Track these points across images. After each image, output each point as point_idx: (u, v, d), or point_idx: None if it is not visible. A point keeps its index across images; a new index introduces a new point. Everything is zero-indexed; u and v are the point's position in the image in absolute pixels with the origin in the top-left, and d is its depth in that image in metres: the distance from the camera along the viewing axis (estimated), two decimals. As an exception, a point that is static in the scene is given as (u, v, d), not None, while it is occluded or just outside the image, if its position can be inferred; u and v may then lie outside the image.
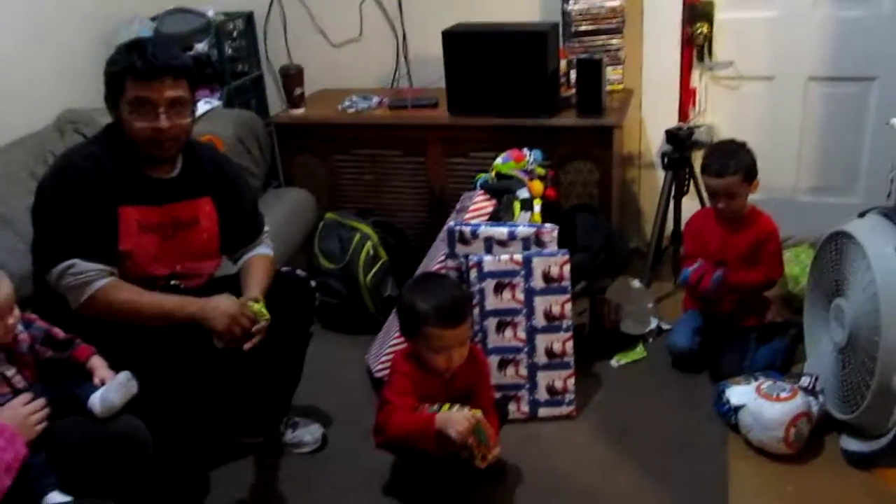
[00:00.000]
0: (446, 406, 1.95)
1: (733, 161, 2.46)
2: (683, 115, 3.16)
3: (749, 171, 2.47)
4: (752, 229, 2.54)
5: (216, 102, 3.10)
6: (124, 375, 1.70)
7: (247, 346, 1.91)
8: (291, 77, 3.14)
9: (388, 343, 2.54)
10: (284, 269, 2.28)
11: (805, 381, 2.26)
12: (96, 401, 1.65)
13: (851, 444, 2.12)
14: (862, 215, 2.19)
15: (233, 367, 2.06)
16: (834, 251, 2.21)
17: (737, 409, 2.23)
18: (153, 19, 3.16)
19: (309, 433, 2.32)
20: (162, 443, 1.77)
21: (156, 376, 1.82)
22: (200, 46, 3.13)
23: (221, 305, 1.90)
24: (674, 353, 2.58)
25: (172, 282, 2.02)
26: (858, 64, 2.99)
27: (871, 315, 1.97)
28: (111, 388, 1.67)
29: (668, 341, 2.61)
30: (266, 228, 2.25)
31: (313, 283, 2.23)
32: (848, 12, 2.94)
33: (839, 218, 2.31)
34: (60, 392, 1.68)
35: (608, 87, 2.89)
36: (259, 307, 1.95)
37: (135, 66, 1.84)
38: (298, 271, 2.25)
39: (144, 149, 1.91)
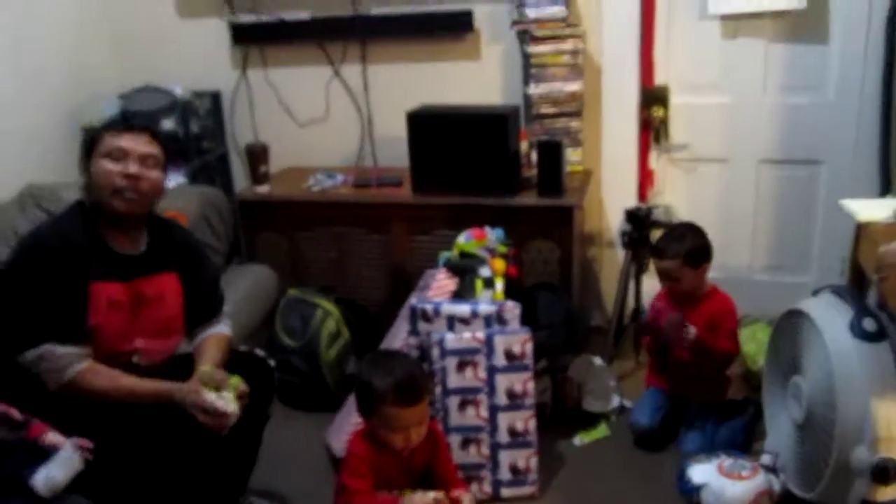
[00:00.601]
0: (407, 492, 1.92)
1: (675, 245, 2.52)
2: (642, 195, 3.25)
3: (692, 256, 2.52)
4: (707, 306, 2.58)
5: (181, 179, 3.11)
6: (68, 448, 1.65)
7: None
8: (256, 154, 3.17)
9: (350, 421, 2.50)
10: (243, 347, 2.25)
11: (766, 458, 2.27)
12: (39, 480, 1.60)
13: (813, 523, 2.12)
14: (816, 293, 2.24)
15: (190, 446, 2.01)
16: (790, 329, 2.25)
17: (699, 487, 2.22)
18: (121, 97, 3.19)
19: (266, 515, 2.25)
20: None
21: (110, 451, 1.78)
22: (167, 124, 3.16)
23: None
24: (636, 432, 2.58)
25: (134, 359, 1.99)
26: (806, 148, 3.11)
27: (827, 392, 2.00)
28: (54, 465, 1.62)
29: (631, 419, 2.62)
30: (225, 308, 2.23)
31: (272, 363, 2.20)
32: (795, 99, 3.07)
33: (794, 296, 2.36)
34: (4, 470, 1.62)
35: (568, 168, 2.96)
36: (235, 380, 1.94)
37: (114, 123, 1.96)
38: (257, 350, 2.23)
39: (109, 203, 1.91)
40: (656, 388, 2.68)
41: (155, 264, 2.04)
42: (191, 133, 3.25)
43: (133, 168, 1.91)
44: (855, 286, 2.55)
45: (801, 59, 3.02)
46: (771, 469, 2.23)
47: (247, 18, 3.33)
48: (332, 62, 3.36)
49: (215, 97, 3.44)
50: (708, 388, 2.63)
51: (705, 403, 2.60)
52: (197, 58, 3.43)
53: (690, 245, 2.52)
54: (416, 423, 1.94)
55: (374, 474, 1.95)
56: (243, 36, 3.36)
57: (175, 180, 3.02)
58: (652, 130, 3.23)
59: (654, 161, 3.28)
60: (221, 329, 2.16)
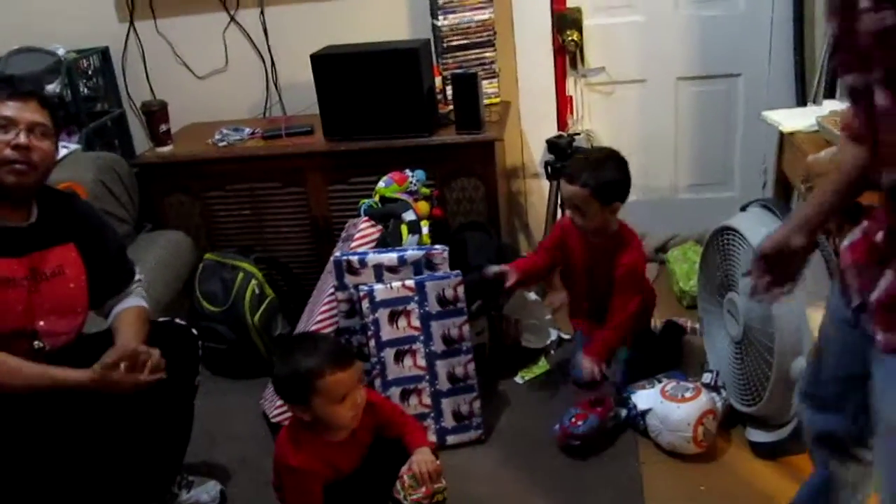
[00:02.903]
0: None
1: (588, 173, 2.21)
2: (562, 123, 3.19)
3: (604, 190, 2.21)
4: (615, 257, 2.32)
5: (74, 146, 2.89)
6: None
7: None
8: (155, 113, 2.97)
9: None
10: (162, 318, 2.13)
11: (707, 377, 2.27)
12: None
13: (757, 436, 2.14)
14: (744, 209, 2.22)
15: (114, 428, 1.90)
16: (721, 246, 2.23)
17: (644, 413, 2.21)
18: (-4, 61, 2.93)
19: (205, 491, 2.16)
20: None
21: (33, 441, 1.69)
22: (52, 87, 2.92)
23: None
24: (580, 385, 2.39)
25: (35, 343, 1.84)
26: (723, 62, 3.08)
27: (763, 306, 1.99)
28: None
29: (571, 374, 2.43)
30: (138, 277, 2.09)
31: (195, 332, 2.09)
32: (707, 12, 3.03)
33: (719, 212, 2.35)
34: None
35: (485, 101, 2.87)
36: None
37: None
38: (178, 320, 2.11)
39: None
40: (581, 331, 2.56)
41: (48, 237, 1.88)
42: (80, 95, 3.02)
43: (22, 138, 1.77)
44: (780, 197, 2.56)
45: (711, -31, 2.98)
46: (713, 388, 2.23)
47: (127, -35, 3.08)
48: (226, 7, 3.15)
49: (104, 54, 3.20)
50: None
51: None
52: (77, 13, 3.16)
53: (606, 178, 2.22)
54: (355, 384, 1.86)
55: (325, 473, 1.87)
56: (126, -16, 3.12)
57: (67, 148, 2.81)
58: (567, 55, 3.15)
59: (572, 87, 3.21)
60: (135, 301, 2.03)
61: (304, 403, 1.82)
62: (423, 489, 1.89)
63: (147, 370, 1.81)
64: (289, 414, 2.19)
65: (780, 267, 1.34)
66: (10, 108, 1.78)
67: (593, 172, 2.21)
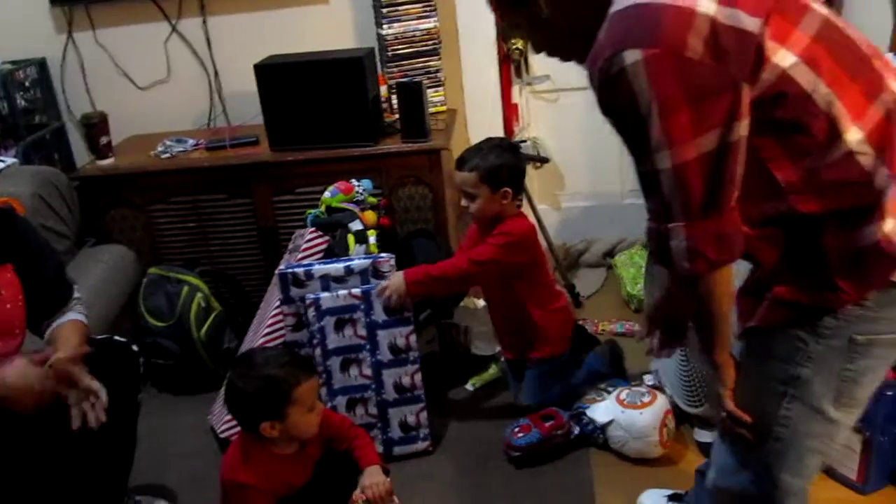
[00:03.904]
0: None
1: (476, 158, 2.23)
2: (509, 131, 3.20)
3: (493, 174, 2.21)
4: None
5: (11, 160, 2.82)
6: None
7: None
8: (95, 126, 2.90)
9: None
10: (101, 336, 2.08)
11: (649, 379, 2.30)
12: None
13: (704, 436, 2.17)
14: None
15: (54, 451, 1.85)
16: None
17: (604, 426, 2.21)
18: (-74, 75, 2.85)
19: (153, 512, 2.12)
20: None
21: None
22: (-14, 100, 2.85)
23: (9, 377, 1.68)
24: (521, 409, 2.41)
25: (-29, 367, 1.78)
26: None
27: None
28: None
29: (519, 401, 2.44)
30: (76, 296, 2.04)
31: (135, 348, 2.04)
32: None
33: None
34: None
35: (431, 110, 2.87)
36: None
37: None
38: (117, 337, 2.06)
39: None
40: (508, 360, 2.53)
41: None
42: (17, 107, 2.94)
43: None
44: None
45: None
46: (658, 388, 2.26)
47: (64, -25, 3.02)
48: (167, 17, 3.10)
49: (41, 66, 3.13)
50: (526, 343, 2.42)
51: (532, 358, 2.41)
52: (12, 24, 3.09)
53: (494, 162, 2.21)
54: (317, 392, 1.87)
55: (272, 484, 1.84)
56: (63, -6, 3.05)
57: (4, 163, 2.74)
58: (512, 64, 3.17)
59: (518, 95, 3.23)
60: (73, 316, 1.98)
61: (278, 416, 1.79)
62: None
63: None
64: (237, 429, 2.16)
65: (669, 325, 1.38)
66: None
67: (482, 157, 2.23)
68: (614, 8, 1.14)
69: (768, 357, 1.29)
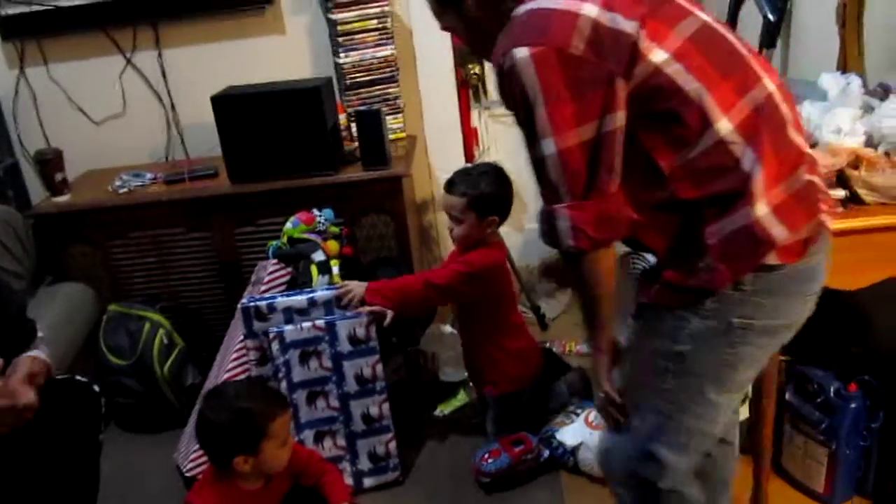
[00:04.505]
0: None
1: (466, 184, 2.24)
2: (469, 155, 3.21)
3: (481, 202, 2.21)
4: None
5: (-37, 200, 2.77)
6: None
7: None
8: (49, 162, 2.85)
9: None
10: (62, 376, 2.03)
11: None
12: None
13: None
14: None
15: (14, 493, 1.80)
16: (629, 268, 2.28)
17: (574, 449, 2.21)
18: None
19: (117, 555, 2.07)
20: None
21: None
22: (-64, 140, 2.79)
23: None
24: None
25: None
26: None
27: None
28: None
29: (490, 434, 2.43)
30: (39, 335, 1.99)
31: (97, 388, 2.00)
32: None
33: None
34: None
35: (391, 136, 2.87)
36: None
37: None
38: (78, 377, 2.02)
39: None
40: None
41: None
42: (-32, 146, 2.89)
43: None
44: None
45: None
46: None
47: (14, 10, 2.97)
48: (122, 50, 3.07)
49: (-7, 103, 3.08)
50: (485, 377, 2.41)
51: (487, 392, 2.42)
52: (-39, 60, 3.04)
53: (485, 190, 2.22)
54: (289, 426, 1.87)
55: None
56: (14, 30, 3.00)
57: (-45, 202, 2.69)
58: (470, 89, 3.18)
59: (477, 119, 3.24)
60: (34, 353, 1.93)
61: (252, 450, 1.77)
62: None
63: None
64: (203, 467, 2.13)
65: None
66: None
67: (472, 183, 2.24)
68: (515, 13, 1.31)
69: (654, 333, 1.39)
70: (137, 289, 2.89)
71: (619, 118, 1.25)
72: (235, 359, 2.29)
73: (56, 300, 2.74)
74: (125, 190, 2.86)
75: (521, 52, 1.24)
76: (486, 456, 2.21)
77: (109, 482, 2.04)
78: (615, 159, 1.27)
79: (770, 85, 1.31)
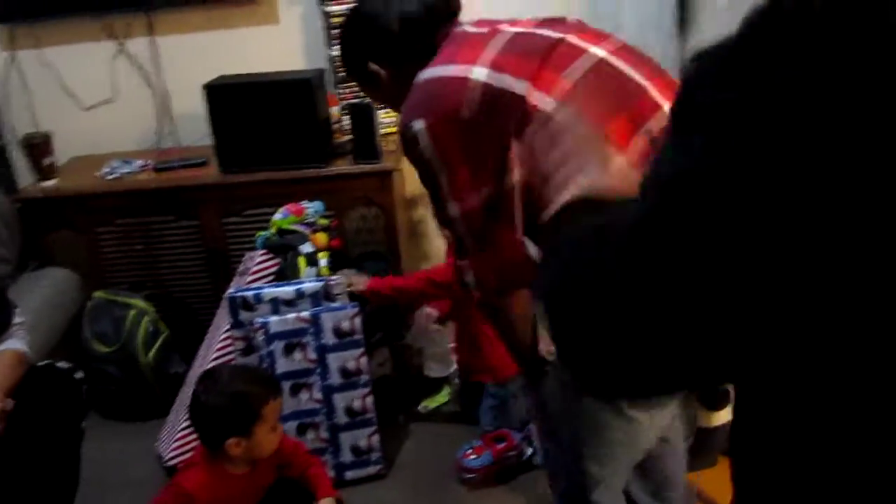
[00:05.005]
0: None
1: None
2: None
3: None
4: None
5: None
6: None
7: None
8: (37, 146, 2.84)
9: (179, 426, 2.33)
10: (43, 362, 2.03)
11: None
12: None
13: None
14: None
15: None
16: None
17: None
18: None
19: (96, 543, 2.07)
20: None
21: None
22: (-76, 120, 2.77)
23: None
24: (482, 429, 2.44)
25: None
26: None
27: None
28: None
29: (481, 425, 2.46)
30: (18, 320, 1.99)
31: (79, 374, 2.00)
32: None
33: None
34: None
35: (383, 131, 2.86)
36: None
37: None
38: (60, 363, 2.02)
39: None
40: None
41: None
42: (-44, 128, 2.87)
43: None
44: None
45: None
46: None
47: (8, -7, 2.95)
48: (115, 36, 3.05)
49: (-18, 85, 3.05)
50: (482, 365, 2.44)
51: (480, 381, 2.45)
52: (-48, 42, 3.02)
53: None
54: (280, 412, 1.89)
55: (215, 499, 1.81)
56: (7, 13, 2.98)
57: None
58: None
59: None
60: (11, 345, 1.92)
61: (245, 432, 1.78)
62: None
63: None
64: (185, 456, 2.12)
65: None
66: None
67: None
68: (416, 79, 1.35)
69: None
70: (123, 276, 2.87)
71: (516, 174, 1.27)
72: (220, 348, 2.29)
73: (40, 285, 2.72)
74: (114, 176, 2.85)
75: (419, 125, 1.30)
76: (470, 452, 2.21)
77: (90, 469, 2.04)
78: (514, 213, 1.29)
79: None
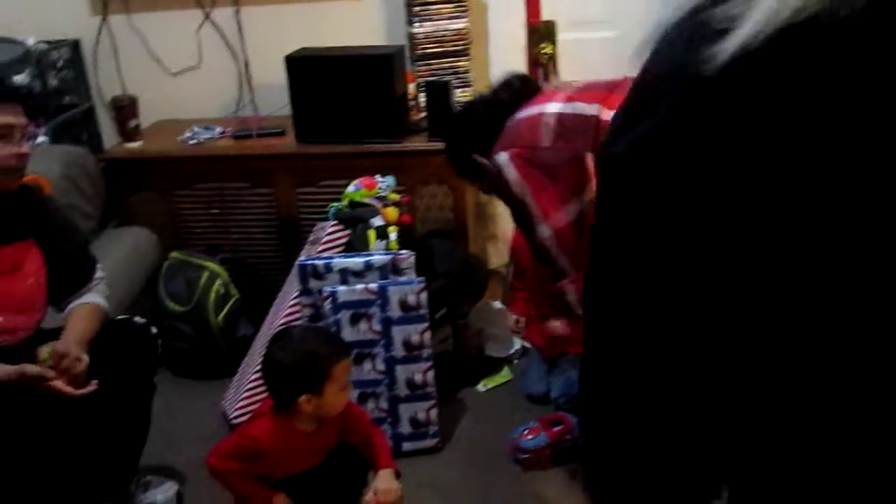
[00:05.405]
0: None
1: None
2: (533, 134, 3.20)
3: None
4: None
5: (41, 139, 2.86)
6: None
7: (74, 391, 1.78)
8: (124, 108, 2.94)
9: (245, 387, 2.40)
10: (121, 316, 2.11)
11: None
12: None
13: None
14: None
15: (70, 427, 1.88)
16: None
17: None
18: (-37, 50, 2.89)
19: (162, 492, 2.15)
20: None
21: None
22: (20, 78, 2.88)
23: None
24: (530, 399, 2.50)
25: (-8, 338, 1.82)
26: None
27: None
28: None
29: (522, 388, 2.54)
30: (99, 275, 2.07)
31: (154, 330, 2.07)
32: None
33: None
34: None
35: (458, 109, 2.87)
36: (45, 352, 1.80)
37: None
38: (137, 318, 2.09)
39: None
40: (536, 345, 2.59)
41: (8, 232, 1.87)
42: (49, 87, 2.98)
43: (26, 147, 1.83)
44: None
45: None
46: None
47: (102, -41, 3.05)
48: (202, 4, 3.13)
49: (75, 47, 3.16)
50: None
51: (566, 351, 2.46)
52: (49, 4, 3.13)
53: None
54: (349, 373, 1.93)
55: (274, 459, 1.87)
56: (100, -22, 3.09)
57: (34, 141, 2.78)
58: (540, 68, 3.17)
59: (545, 99, 3.23)
60: (91, 298, 2.01)
61: (316, 390, 1.82)
62: None
63: (71, 377, 1.78)
64: (247, 416, 2.19)
65: None
66: (7, 115, 1.79)
67: None
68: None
69: None
70: (198, 238, 2.97)
71: (593, 185, 1.33)
72: (288, 314, 2.35)
73: (120, 243, 2.83)
74: (194, 142, 2.94)
75: (502, 157, 1.53)
76: (526, 433, 2.23)
77: (157, 422, 2.12)
78: None
79: None
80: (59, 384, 1.76)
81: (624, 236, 0.56)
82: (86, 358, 1.81)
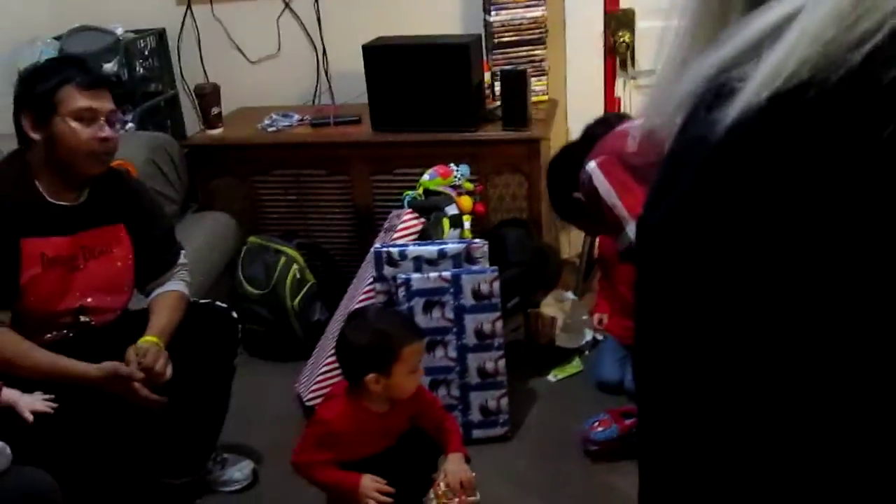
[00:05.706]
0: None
1: None
2: (609, 124, 3.16)
3: None
4: None
5: (128, 125, 2.96)
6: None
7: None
8: (207, 96, 3.02)
9: (319, 370, 2.45)
10: (204, 300, 2.17)
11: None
12: None
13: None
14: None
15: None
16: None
17: None
18: (57, 38, 3.01)
19: (238, 470, 2.21)
20: (77, 489, 1.67)
21: (69, 417, 1.72)
22: (109, 66, 2.98)
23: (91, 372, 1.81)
24: (601, 388, 2.49)
25: (82, 317, 1.90)
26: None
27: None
28: None
29: (596, 375, 2.53)
30: (182, 261, 2.13)
31: (235, 314, 2.13)
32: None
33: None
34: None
35: (533, 99, 2.86)
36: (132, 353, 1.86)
37: (75, 78, 1.81)
38: (218, 303, 2.16)
39: (82, 166, 1.85)
40: (615, 336, 2.58)
41: (98, 216, 1.94)
42: (136, 75, 3.08)
43: (109, 132, 1.85)
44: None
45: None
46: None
47: (187, -50, 3.13)
48: (282, -6, 3.19)
49: (160, 36, 3.26)
50: None
51: None
52: (137, -6, 3.23)
53: None
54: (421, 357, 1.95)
55: (348, 442, 1.89)
56: (186, -31, 3.17)
57: (123, 127, 2.87)
58: (618, 56, 3.12)
59: (621, 88, 3.18)
60: (174, 286, 2.07)
61: (385, 370, 1.84)
62: (456, 500, 1.88)
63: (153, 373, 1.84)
64: (322, 397, 2.23)
65: None
66: (93, 100, 1.83)
67: None
68: None
69: None
70: (276, 224, 3.03)
71: None
72: (363, 300, 2.38)
73: (201, 227, 2.91)
74: (273, 129, 2.99)
75: (591, 165, 1.68)
76: (597, 424, 2.22)
77: (236, 403, 2.18)
78: None
79: None
80: (144, 390, 1.83)
81: (662, 311, 0.54)
82: (169, 373, 1.87)
